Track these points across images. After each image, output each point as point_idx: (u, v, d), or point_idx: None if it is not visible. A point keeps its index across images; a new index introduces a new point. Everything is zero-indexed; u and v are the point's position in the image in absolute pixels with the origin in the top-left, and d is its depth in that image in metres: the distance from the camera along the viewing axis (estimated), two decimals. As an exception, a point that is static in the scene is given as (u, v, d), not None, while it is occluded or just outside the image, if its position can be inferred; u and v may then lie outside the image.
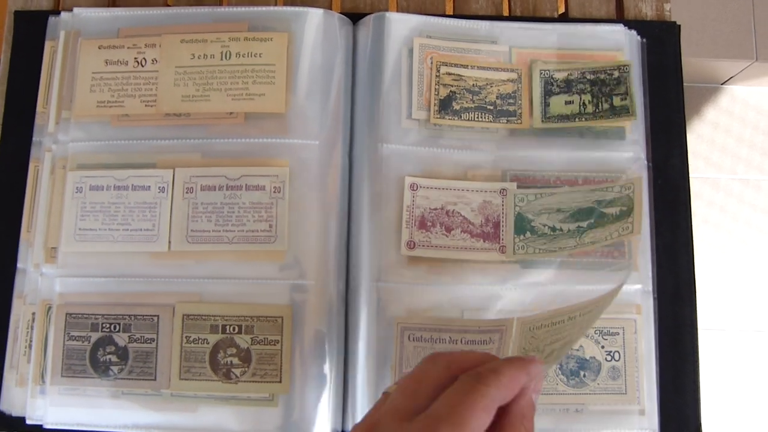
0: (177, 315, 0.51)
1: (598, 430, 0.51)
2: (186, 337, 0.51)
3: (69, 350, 0.51)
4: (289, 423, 0.50)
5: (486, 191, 0.54)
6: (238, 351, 0.51)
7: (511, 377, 0.32)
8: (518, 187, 0.54)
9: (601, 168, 0.55)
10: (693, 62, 1.47)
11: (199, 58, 0.55)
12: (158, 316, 0.51)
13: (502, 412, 0.32)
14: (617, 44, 0.57)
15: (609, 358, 0.52)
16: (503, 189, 0.54)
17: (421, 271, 0.52)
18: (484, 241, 0.53)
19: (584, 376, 0.52)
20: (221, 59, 0.55)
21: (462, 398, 0.30)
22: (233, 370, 0.50)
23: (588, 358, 0.52)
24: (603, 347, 0.52)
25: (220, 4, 0.60)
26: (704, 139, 1.59)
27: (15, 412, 0.52)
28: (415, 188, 0.53)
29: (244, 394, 0.50)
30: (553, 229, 0.53)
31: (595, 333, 0.52)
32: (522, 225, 0.53)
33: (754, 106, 1.62)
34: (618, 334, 0.52)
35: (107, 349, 0.51)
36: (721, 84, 1.62)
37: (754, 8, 1.47)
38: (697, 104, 1.61)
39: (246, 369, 0.50)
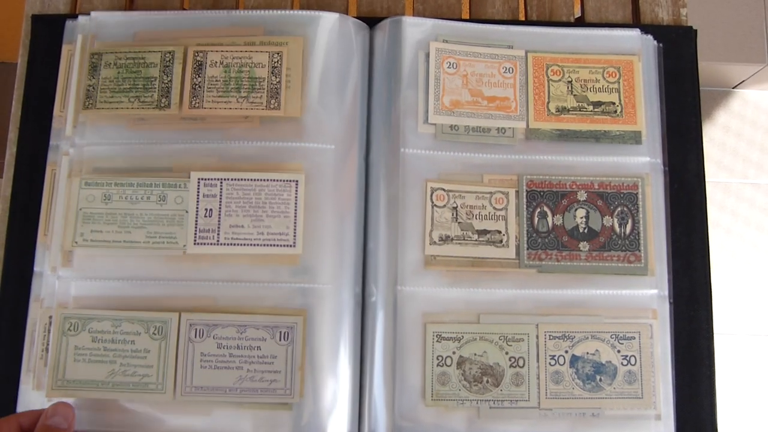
0: (184, 321, 0.51)
1: None
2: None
3: (85, 353, 0.52)
4: (303, 427, 0.50)
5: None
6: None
7: None
8: (534, 191, 0.54)
9: (617, 173, 0.55)
10: (704, 66, 1.46)
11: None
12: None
13: None
14: (633, 49, 0.57)
15: (625, 362, 0.52)
16: (518, 193, 0.54)
17: (438, 276, 0.52)
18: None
19: (600, 380, 0.52)
20: (238, 63, 0.55)
21: None
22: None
23: (604, 362, 0.52)
24: (619, 351, 0.52)
25: (237, 8, 0.60)
26: (715, 142, 1.59)
27: (32, 415, 0.52)
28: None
29: (258, 398, 0.50)
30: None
31: (611, 337, 0.52)
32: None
33: (766, 109, 1.61)
34: (634, 338, 0.52)
35: (123, 352, 0.52)
36: (733, 88, 1.61)
37: (766, 12, 1.46)
38: (708, 108, 1.60)
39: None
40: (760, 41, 1.46)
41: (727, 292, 1.52)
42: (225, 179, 0.53)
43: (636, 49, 0.57)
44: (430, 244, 0.53)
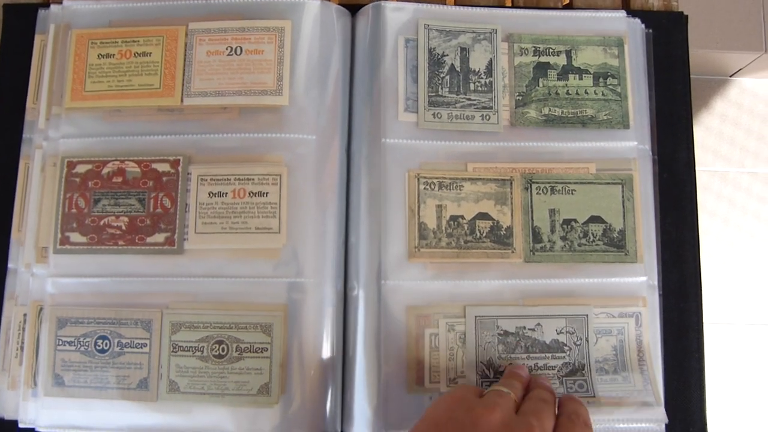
0: (166, 319, 0.50)
1: (604, 418, 0.50)
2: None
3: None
4: (285, 423, 0.49)
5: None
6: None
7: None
8: (518, 179, 0.52)
9: (605, 157, 0.53)
10: (701, 54, 1.45)
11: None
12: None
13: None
14: (619, 32, 0.55)
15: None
16: (508, 181, 0.52)
17: (422, 268, 0.51)
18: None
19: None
20: (214, 52, 0.54)
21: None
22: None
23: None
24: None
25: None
26: (712, 131, 1.58)
27: (7, 416, 0.51)
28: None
29: (239, 395, 0.49)
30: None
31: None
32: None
33: (763, 98, 1.60)
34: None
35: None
36: (730, 76, 1.60)
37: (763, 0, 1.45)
38: (705, 96, 1.59)
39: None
40: (758, 29, 1.45)
41: (724, 281, 1.51)
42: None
43: (622, 32, 0.55)
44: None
